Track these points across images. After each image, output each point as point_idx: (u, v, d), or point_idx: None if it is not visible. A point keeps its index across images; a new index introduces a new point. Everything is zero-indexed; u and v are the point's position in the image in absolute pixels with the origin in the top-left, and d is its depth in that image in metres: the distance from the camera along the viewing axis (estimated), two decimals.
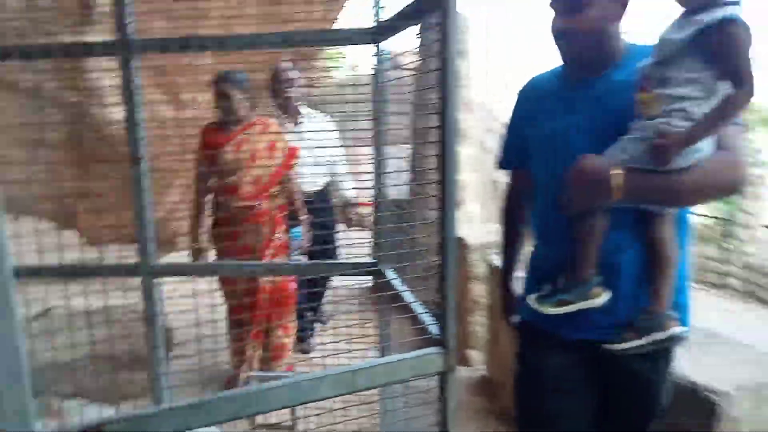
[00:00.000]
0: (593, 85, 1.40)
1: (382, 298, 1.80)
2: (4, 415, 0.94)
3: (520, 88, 1.63)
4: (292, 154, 2.81)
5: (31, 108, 3.74)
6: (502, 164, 1.70)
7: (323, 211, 3.03)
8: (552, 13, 1.40)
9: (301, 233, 2.80)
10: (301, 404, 1.16)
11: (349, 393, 1.20)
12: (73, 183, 4.09)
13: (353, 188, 3.12)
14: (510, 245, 1.77)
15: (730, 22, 1.11)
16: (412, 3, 1.37)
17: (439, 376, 1.28)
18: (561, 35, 1.39)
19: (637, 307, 1.36)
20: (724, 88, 1.17)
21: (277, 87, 3.12)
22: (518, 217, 1.73)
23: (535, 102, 1.55)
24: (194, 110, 4.02)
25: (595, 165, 1.28)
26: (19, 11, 3.08)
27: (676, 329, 1.33)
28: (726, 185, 1.28)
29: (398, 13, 1.49)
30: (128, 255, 2.51)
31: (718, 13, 1.12)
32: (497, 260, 2.97)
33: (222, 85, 2.66)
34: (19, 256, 2.15)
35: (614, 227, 1.34)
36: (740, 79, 1.13)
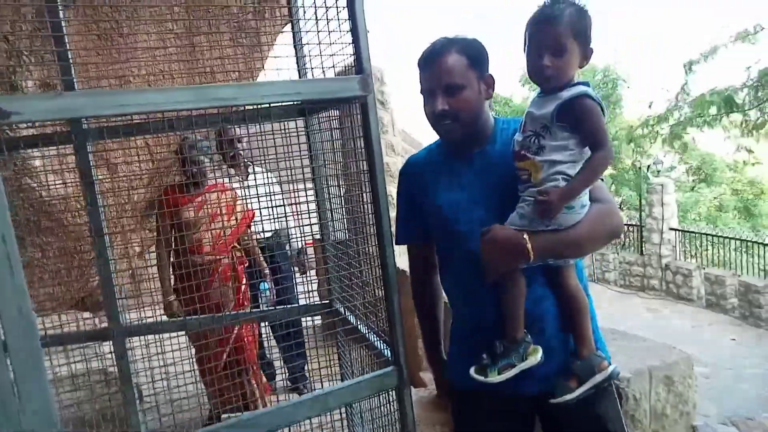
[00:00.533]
0: (474, 160, 1.54)
1: (338, 332, 2.05)
2: None
3: (402, 169, 1.72)
4: (250, 215, 3.03)
5: None
6: (399, 240, 1.70)
7: (278, 257, 3.25)
8: (426, 96, 1.50)
9: (268, 286, 3.00)
10: (288, 426, 1.38)
11: (325, 412, 1.45)
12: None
13: (300, 236, 3.34)
14: (428, 319, 1.77)
15: (584, 97, 1.32)
16: (335, 82, 1.64)
17: (395, 391, 1.55)
18: (440, 118, 1.48)
19: (566, 354, 1.46)
20: (588, 152, 1.35)
21: (226, 146, 3.32)
22: (430, 289, 1.74)
23: (421, 179, 1.63)
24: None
25: (504, 233, 1.38)
26: None
27: (610, 368, 1.43)
28: (613, 231, 1.45)
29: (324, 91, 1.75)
30: (86, 320, 2.63)
31: (574, 91, 1.33)
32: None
33: (190, 152, 2.83)
34: None
35: (530, 284, 1.44)
36: (598, 143, 1.32)
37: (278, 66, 1.94)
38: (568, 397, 1.40)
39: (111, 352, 2.21)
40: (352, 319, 1.98)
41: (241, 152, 3.29)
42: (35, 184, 4.32)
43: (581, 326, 1.44)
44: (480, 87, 1.48)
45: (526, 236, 1.35)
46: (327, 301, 2.26)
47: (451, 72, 1.44)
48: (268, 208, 2.18)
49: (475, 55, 1.47)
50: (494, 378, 1.41)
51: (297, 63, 2.11)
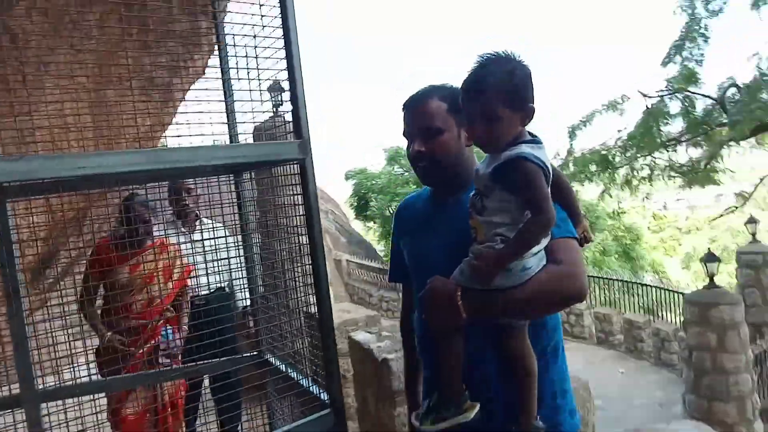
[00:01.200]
0: (448, 207, 1.52)
1: (270, 380, 2.10)
2: None
3: (396, 209, 1.77)
4: (188, 271, 2.94)
5: None
6: (389, 278, 1.78)
7: (218, 313, 3.09)
8: (407, 139, 1.54)
9: (171, 335, 2.86)
10: None
11: None
12: None
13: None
14: (407, 356, 1.79)
15: (519, 160, 1.26)
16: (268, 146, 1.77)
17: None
18: (416, 160, 1.51)
19: (511, 415, 1.39)
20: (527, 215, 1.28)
21: (176, 199, 3.28)
22: (409, 329, 1.72)
23: (405, 221, 1.68)
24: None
25: (440, 287, 1.36)
26: None
27: None
28: (566, 296, 1.33)
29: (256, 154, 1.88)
30: None
31: (512, 152, 1.27)
32: (355, 335, 3.38)
33: (138, 208, 2.71)
34: None
35: (476, 340, 1.41)
36: (533, 208, 1.25)
37: (190, 120, 1.97)
38: None
39: (23, 421, 2.09)
40: (283, 367, 2.05)
41: (190, 205, 3.25)
42: None
43: (523, 392, 1.37)
44: (459, 133, 1.49)
45: (459, 293, 1.32)
46: (255, 352, 2.31)
47: (430, 116, 1.48)
48: (214, 261, 2.19)
49: (455, 102, 1.43)
50: (426, 427, 1.40)
51: (227, 118, 2.21)
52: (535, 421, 1.37)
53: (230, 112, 2.24)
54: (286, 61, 1.55)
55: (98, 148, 3.15)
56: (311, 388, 1.79)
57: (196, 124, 2.03)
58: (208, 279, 2.91)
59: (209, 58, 3.27)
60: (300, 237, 1.70)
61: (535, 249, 1.30)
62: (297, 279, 1.81)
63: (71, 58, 3.71)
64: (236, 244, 2.53)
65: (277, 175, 2.13)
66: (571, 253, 1.36)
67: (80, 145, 3.48)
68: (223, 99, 2.23)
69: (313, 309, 1.71)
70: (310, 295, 1.69)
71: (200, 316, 2.29)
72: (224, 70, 2.24)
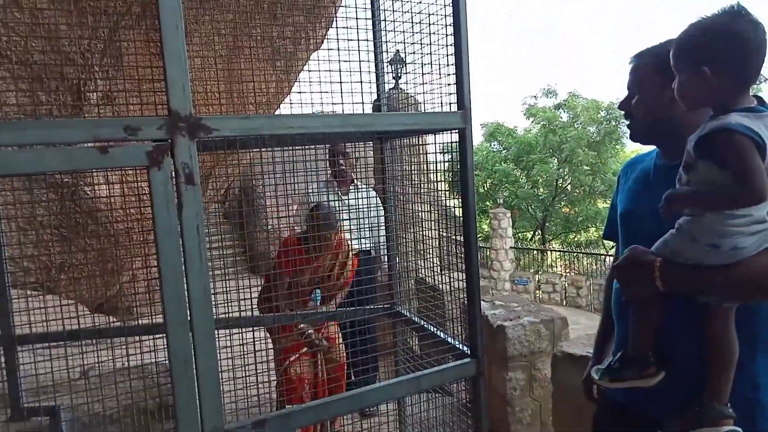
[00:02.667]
0: (671, 171, 1.38)
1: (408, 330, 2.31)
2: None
3: (622, 166, 1.71)
4: (355, 263, 3.14)
5: (24, 188, 3.99)
6: (605, 234, 1.75)
7: (366, 269, 3.26)
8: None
9: (318, 298, 3.15)
10: (382, 402, 1.62)
11: (417, 392, 1.70)
12: (58, 256, 4.34)
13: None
14: (604, 312, 1.76)
15: (723, 131, 1.17)
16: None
17: (472, 380, 1.80)
18: (625, 116, 1.51)
19: (696, 393, 1.33)
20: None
21: (333, 160, 3.56)
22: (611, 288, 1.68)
23: (626, 181, 1.62)
24: None
25: (638, 257, 1.33)
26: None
27: (724, 429, 1.28)
28: None
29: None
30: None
31: (718, 122, 1.19)
32: None
33: (326, 216, 2.89)
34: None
35: (676, 314, 1.36)
36: (740, 180, 1.16)
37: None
38: None
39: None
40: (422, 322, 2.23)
41: (346, 169, 3.52)
42: (88, 189, 4.57)
43: (715, 375, 1.31)
44: (663, 93, 1.39)
45: (658, 264, 1.29)
46: (388, 305, 2.52)
47: (632, 76, 1.48)
48: (364, 220, 2.29)
49: (663, 61, 1.35)
50: (603, 383, 1.44)
51: (377, 88, 2.38)
52: (723, 407, 1.30)
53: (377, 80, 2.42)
54: (453, 33, 1.67)
55: (228, 113, 3.48)
56: (452, 341, 1.95)
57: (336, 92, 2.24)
58: (351, 239, 3.11)
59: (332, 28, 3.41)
60: (449, 201, 1.84)
61: (752, 228, 1.19)
62: (445, 242, 1.96)
63: (211, 28, 4.06)
64: (376, 207, 2.68)
65: (421, 143, 2.30)
66: None
67: (209, 111, 3.85)
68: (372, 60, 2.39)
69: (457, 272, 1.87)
70: (457, 256, 1.84)
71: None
72: (376, 43, 2.40)
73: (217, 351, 2.13)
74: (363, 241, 3.43)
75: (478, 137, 21.88)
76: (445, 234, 1.91)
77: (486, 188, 20.88)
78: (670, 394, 1.38)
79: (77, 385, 2.72)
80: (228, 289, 2.61)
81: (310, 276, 2.90)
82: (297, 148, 2.25)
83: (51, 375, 2.42)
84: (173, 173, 1.31)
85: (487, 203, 19.55)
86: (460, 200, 1.77)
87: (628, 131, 1.52)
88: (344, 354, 3.06)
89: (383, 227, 2.51)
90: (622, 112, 1.51)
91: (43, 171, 1.28)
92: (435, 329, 2.10)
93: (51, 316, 2.52)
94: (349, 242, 3.14)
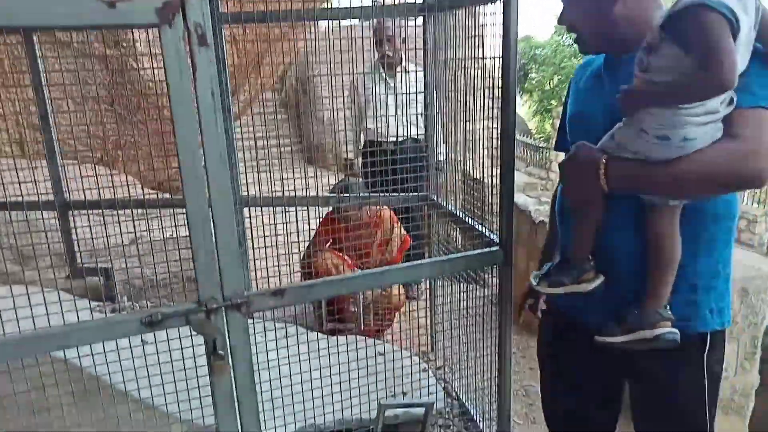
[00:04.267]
0: (621, 65, 1.31)
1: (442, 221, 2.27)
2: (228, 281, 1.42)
3: (575, 70, 1.61)
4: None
5: (80, 64, 4.06)
6: (556, 146, 1.65)
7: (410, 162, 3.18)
8: None
9: None
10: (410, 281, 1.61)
11: (442, 276, 1.68)
12: (114, 133, 4.48)
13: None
14: (551, 230, 1.71)
15: (697, 6, 1.04)
16: None
17: (499, 269, 1.76)
18: (568, 30, 1.39)
19: (636, 297, 1.29)
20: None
21: (379, 41, 3.39)
22: None
23: (576, 83, 1.52)
24: None
25: (584, 154, 1.26)
26: None
27: (662, 330, 1.23)
28: (729, 178, 1.12)
29: None
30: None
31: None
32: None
33: (353, 215, 2.86)
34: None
35: (616, 216, 1.29)
36: (703, 62, 1.04)
37: None
38: (608, 340, 1.30)
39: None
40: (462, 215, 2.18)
41: (390, 53, 3.36)
42: (137, 66, 4.60)
43: (655, 278, 1.25)
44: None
45: (604, 160, 1.20)
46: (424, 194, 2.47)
47: None
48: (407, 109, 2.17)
49: None
50: (540, 288, 1.38)
51: None
52: (662, 309, 1.25)
53: None
54: None
55: None
56: (481, 228, 1.90)
57: None
58: (397, 126, 3.00)
59: None
60: (494, 79, 1.70)
61: (703, 118, 1.10)
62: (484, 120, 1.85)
63: None
64: (425, 91, 2.54)
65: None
66: (758, 129, 1.11)
67: None
68: None
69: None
70: (495, 140, 1.73)
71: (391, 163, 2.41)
72: None
73: (240, 225, 2.17)
74: (412, 128, 3.31)
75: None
76: (494, 126, 1.77)
77: (552, 86, 19.79)
78: (609, 298, 1.33)
79: (129, 251, 2.89)
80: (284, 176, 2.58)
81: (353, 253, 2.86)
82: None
83: (104, 240, 2.57)
84: (186, 34, 1.24)
85: (552, 102, 18.62)
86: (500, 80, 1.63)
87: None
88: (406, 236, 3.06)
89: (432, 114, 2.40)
90: None
91: (48, 25, 1.23)
92: (466, 217, 2.05)
93: (106, 186, 2.64)
94: (396, 223, 3.02)
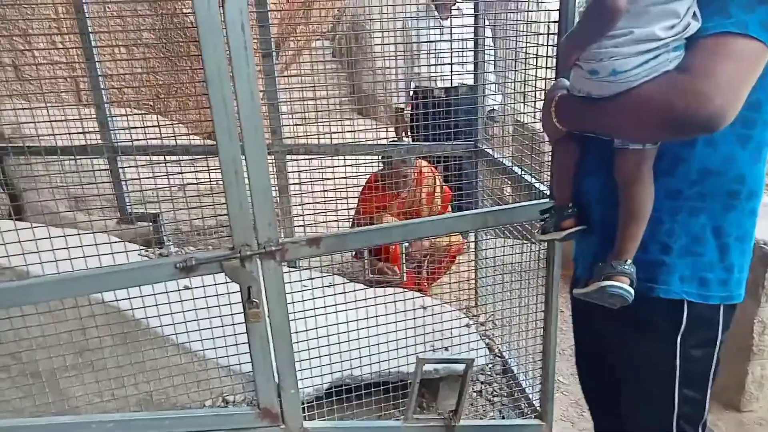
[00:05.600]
0: None
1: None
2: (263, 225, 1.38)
3: None
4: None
5: (128, 10, 4.06)
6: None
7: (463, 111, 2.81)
8: None
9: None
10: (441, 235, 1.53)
11: (482, 228, 1.58)
12: (165, 79, 4.49)
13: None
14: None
15: None
16: None
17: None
18: None
19: (606, 249, 1.18)
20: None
21: None
22: None
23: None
24: None
25: (550, 90, 1.24)
26: None
27: (607, 283, 1.12)
28: (667, 115, 0.95)
29: None
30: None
31: None
32: None
33: (399, 164, 2.76)
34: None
35: (589, 159, 1.23)
36: None
37: None
38: (575, 291, 1.23)
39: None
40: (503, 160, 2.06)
41: None
42: (186, 9, 4.55)
43: (623, 228, 1.13)
44: None
45: (557, 99, 1.17)
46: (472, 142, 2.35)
47: None
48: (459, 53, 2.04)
49: None
50: (537, 235, 1.38)
51: None
52: (623, 264, 1.12)
53: None
54: None
55: None
56: (530, 179, 1.78)
57: None
58: (451, 72, 2.83)
59: None
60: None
61: (633, 48, 0.97)
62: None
63: None
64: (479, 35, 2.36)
65: None
66: (713, 58, 0.92)
67: None
68: None
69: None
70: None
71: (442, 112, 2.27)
72: None
73: (282, 171, 2.13)
74: (465, 74, 3.12)
75: None
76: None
77: None
78: (587, 248, 1.28)
79: (177, 198, 2.92)
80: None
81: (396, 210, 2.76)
82: None
83: (153, 186, 2.59)
84: None
85: None
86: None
87: None
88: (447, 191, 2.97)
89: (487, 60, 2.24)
90: None
91: None
92: (518, 168, 1.92)
93: (153, 133, 2.64)
94: (436, 175, 2.89)
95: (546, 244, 1.72)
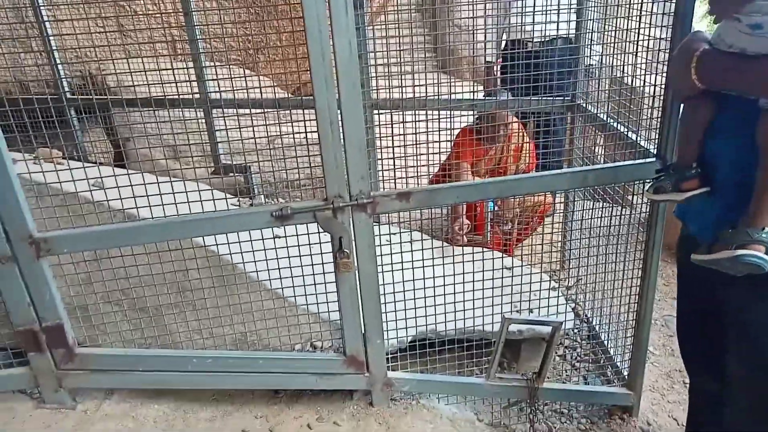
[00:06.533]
0: None
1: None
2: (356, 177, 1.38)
3: None
4: (534, 153, 2.85)
5: None
6: None
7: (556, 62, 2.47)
8: None
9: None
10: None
11: (582, 187, 1.51)
12: (255, 35, 4.57)
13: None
14: None
15: None
16: None
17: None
18: None
19: (736, 211, 1.14)
20: None
21: None
22: None
23: None
24: None
25: (686, 43, 1.14)
26: None
27: (743, 252, 1.07)
28: None
29: None
30: None
31: None
32: None
33: (501, 114, 2.62)
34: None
35: (722, 118, 1.17)
36: None
37: None
38: (697, 257, 1.17)
39: None
40: (605, 117, 1.94)
41: None
42: None
43: (758, 196, 1.08)
44: None
45: (698, 53, 1.08)
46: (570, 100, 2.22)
47: None
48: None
49: None
50: (648, 194, 1.34)
51: None
52: (759, 231, 1.06)
53: None
54: None
55: None
56: (634, 136, 1.66)
57: None
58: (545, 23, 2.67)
59: None
60: None
61: None
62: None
63: None
64: None
65: None
66: None
67: None
68: None
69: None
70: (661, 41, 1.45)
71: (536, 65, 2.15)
72: None
73: (370, 126, 2.11)
74: (562, 25, 2.89)
75: None
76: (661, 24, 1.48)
77: None
78: (709, 210, 1.21)
79: (265, 152, 3.00)
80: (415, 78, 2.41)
81: (484, 168, 2.67)
82: None
83: (245, 137, 2.67)
84: None
85: None
86: None
87: None
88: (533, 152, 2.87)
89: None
90: None
91: None
92: (617, 123, 1.80)
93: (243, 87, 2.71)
94: (520, 131, 2.74)
95: (648, 206, 1.62)
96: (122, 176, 1.47)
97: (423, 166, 1.67)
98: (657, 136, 1.50)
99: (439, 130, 1.61)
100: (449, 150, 2.63)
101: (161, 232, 1.48)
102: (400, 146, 1.60)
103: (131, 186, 1.46)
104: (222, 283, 1.77)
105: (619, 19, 1.82)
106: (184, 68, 3.06)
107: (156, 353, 1.76)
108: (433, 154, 1.63)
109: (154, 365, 1.74)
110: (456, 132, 2.80)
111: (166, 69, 1.75)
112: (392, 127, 1.66)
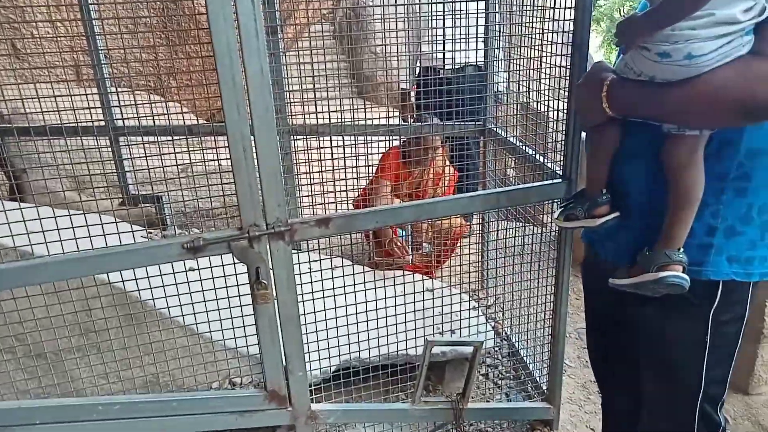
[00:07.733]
0: None
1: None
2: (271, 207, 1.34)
3: None
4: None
5: None
6: None
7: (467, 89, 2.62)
8: None
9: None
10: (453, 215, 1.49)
11: (495, 209, 1.55)
12: (166, 61, 4.43)
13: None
14: None
15: None
16: None
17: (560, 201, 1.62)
18: None
19: (650, 233, 1.17)
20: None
21: None
22: None
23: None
24: None
25: (593, 72, 1.14)
26: None
27: (666, 274, 1.10)
28: (736, 103, 0.95)
29: None
30: None
31: None
32: None
33: (428, 138, 2.69)
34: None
35: (630, 144, 1.18)
36: None
37: None
38: (616, 282, 1.20)
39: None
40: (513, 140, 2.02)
41: None
42: None
43: (673, 215, 1.11)
44: None
45: (609, 81, 1.09)
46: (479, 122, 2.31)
47: None
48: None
49: None
50: (557, 221, 1.35)
51: None
52: (676, 252, 1.11)
53: None
54: None
55: None
56: (542, 158, 1.74)
57: None
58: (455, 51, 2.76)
59: None
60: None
61: (712, 30, 0.92)
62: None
63: None
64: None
65: None
66: None
67: None
68: None
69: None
70: (563, 69, 1.54)
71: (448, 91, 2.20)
72: None
73: (288, 153, 2.09)
74: (470, 54, 3.02)
75: None
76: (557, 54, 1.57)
77: (621, 15, 18.47)
78: (622, 236, 1.24)
79: (176, 181, 2.89)
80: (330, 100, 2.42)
81: (405, 191, 2.73)
82: None
83: (155, 166, 2.55)
84: None
85: None
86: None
87: None
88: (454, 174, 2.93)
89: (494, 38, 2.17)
90: None
91: None
92: (525, 146, 1.89)
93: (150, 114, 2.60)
94: (445, 155, 2.82)
95: (556, 227, 1.69)
96: (13, 210, 1.34)
97: (342, 191, 1.66)
98: (562, 159, 1.59)
99: (357, 156, 1.61)
100: (370, 175, 2.65)
101: (59, 270, 1.36)
102: (318, 172, 1.58)
103: (24, 221, 1.33)
104: (130, 321, 1.66)
105: (523, 48, 1.93)
106: (87, 94, 2.91)
107: (56, 403, 1.61)
108: (353, 179, 1.63)
109: (55, 416, 1.58)
110: (379, 155, 2.83)
111: (64, 95, 1.65)
112: (308, 153, 1.64)
